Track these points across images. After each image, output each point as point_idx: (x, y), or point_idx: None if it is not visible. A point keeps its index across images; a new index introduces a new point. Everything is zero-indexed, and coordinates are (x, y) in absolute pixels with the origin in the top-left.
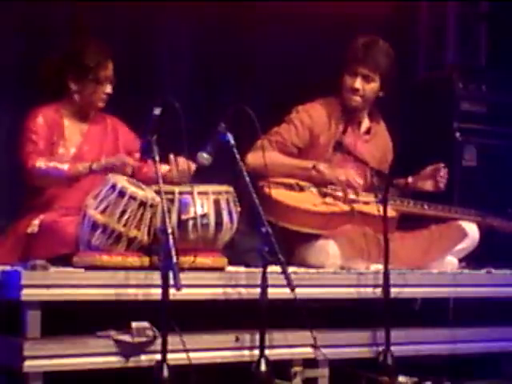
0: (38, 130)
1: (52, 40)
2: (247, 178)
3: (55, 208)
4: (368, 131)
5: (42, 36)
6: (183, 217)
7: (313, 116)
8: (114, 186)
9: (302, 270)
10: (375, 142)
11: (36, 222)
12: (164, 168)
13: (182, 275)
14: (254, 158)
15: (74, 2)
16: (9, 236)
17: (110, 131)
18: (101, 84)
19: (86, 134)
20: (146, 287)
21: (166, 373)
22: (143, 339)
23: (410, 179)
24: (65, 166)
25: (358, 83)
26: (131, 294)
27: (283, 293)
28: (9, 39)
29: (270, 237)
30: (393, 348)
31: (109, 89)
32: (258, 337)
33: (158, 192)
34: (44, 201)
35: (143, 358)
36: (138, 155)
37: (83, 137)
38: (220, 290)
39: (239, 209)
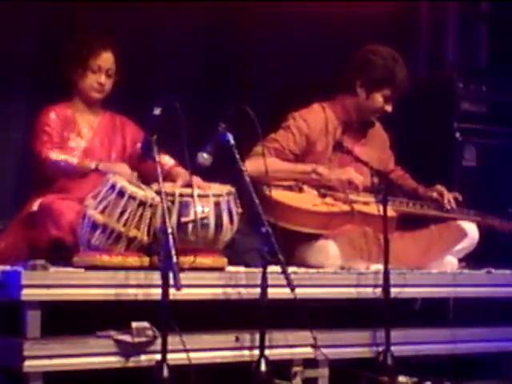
0: (52, 123)
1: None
2: (247, 178)
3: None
4: (364, 134)
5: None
6: (183, 219)
7: (310, 123)
8: (113, 186)
9: (302, 270)
10: (372, 144)
11: (38, 202)
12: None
13: (181, 275)
14: (252, 165)
15: (74, 2)
16: (17, 217)
17: (119, 129)
18: (92, 72)
19: (96, 128)
20: (146, 287)
21: (166, 373)
22: (143, 339)
23: (420, 189)
24: (74, 160)
25: (390, 108)
26: (131, 293)
27: (283, 293)
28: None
29: (270, 237)
30: (393, 348)
31: (102, 78)
32: (258, 337)
33: (158, 192)
34: (54, 192)
35: (143, 357)
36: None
37: (94, 131)
38: (220, 290)
39: (240, 210)
